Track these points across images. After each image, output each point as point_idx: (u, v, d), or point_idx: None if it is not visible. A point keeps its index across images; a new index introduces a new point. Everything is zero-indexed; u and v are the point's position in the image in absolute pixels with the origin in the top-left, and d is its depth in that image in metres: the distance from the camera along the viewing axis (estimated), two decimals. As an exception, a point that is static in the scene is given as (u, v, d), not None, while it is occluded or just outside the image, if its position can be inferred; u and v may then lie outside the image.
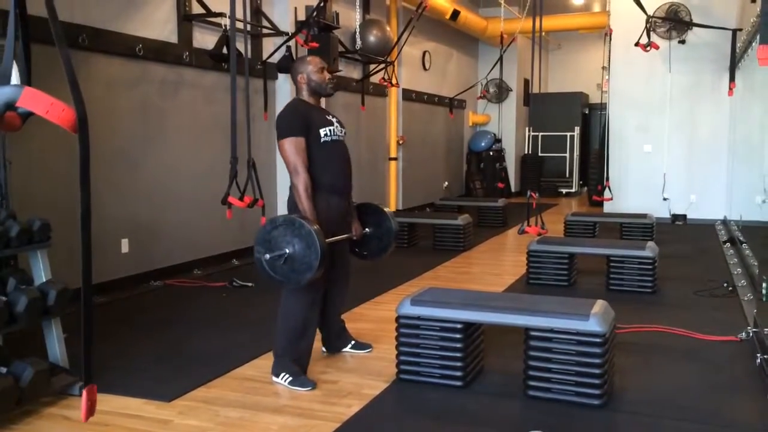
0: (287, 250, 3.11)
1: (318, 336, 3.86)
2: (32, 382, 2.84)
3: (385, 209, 3.84)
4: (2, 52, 1.50)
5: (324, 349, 3.84)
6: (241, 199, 4.95)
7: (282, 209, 6.88)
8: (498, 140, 13.66)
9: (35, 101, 1.35)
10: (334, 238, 3.46)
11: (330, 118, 3.56)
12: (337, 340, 3.85)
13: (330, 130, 3.48)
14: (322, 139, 3.42)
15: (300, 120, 3.39)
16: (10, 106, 1.36)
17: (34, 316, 3.05)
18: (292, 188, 3.36)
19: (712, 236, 8.34)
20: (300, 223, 3.10)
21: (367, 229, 3.80)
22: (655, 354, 3.83)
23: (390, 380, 3.39)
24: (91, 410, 1.50)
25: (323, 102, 3.71)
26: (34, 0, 1.84)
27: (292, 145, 3.33)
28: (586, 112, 15.12)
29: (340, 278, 3.67)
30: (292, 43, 6.95)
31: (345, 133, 3.63)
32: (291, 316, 3.39)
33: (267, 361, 3.55)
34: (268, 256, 3.13)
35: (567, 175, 14.34)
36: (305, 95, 3.52)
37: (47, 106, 1.35)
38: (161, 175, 5.77)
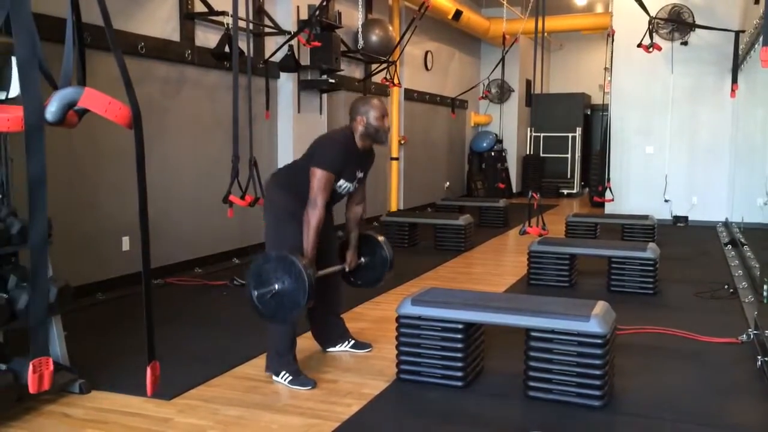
0: (276, 286, 3.11)
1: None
2: (32, 380, 2.83)
3: (380, 238, 3.80)
4: (56, 57, 1.57)
5: (323, 348, 3.84)
6: (242, 197, 4.96)
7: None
8: (499, 141, 13.66)
9: (95, 101, 1.45)
10: (326, 271, 3.47)
11: (358, 173, 3.52)
12: (333, 337, 3.84)
13: (346, 186, 3.48)
14: (335, 187, 3.42)
15: (341, 161, 3.38)
16: (72, 105, 1.45)
17: (35, 314, 3.04)
18: (305, 217, 3.29)
19: (714, 238, 8.33)
20: (291, 261, 3.08)
21: (362, 259, 3.78)
22: (655, 355, 3.83)
23: (390, 380, 3.39)
24: (154, 385, 1.64)
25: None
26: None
27: (324, 179, 3.30)
28: (588, 113, 15.11)
29: (331, 261, 3.65)
30: (294, 42, 6.95)
31: (359, 182, 3.58)
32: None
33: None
34: (256, 292, 3.13)
35: (568, 175, 14.33)
36: (357, 136, 3.45)
37: (105, 105, 1.45)
38: (162, 174, 5.76)
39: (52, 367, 1.41)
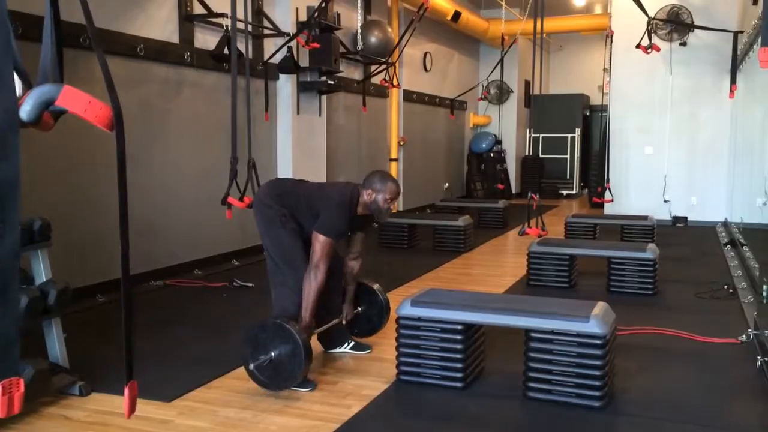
0: (272, 354, 3.13)
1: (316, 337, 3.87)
2: (32, 382, 2.84)
3: (375, 286, 3.86)
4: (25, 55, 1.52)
5: (323, 348, 3.84)
6: (241, 199, 4.95)
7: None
8: (499, 142, 13.67)
9: (74, 100, 1.37)
10: (322, 328, 3.54)
11: (349, 232, 3.59)
12: (333, 338, 3.84)
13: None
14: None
15: (346, 226, 3.45)
16: (50, 104, 1.37)
17: (35, 316, 3.05)
18: (306, 281, 3.32)
19: (713, 238, 8.34)
20: (289, 332, 3.11)
21: (358, 309, 3.84)
22: (655, 356, 3.83)
23: (390, 381, 3.39)
24: (132, 407, 1.53)
25: None
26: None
27: (328, 246, 3.34)
28: (587, 113, 15.12)
29: (333, 278, 3.67)
30: (293, 43, 6.95)
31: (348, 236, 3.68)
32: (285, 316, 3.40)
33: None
34: (252, 365, 3.15)
35: (567, 176, 14.34)
36: (361, 204, 3.48)
37: (85, 104, 1.38)
38: (162, 175, 5.76)
39: (23, 388, 1.33)
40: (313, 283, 3.31)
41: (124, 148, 1.45)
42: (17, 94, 1.39)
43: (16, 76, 1.43)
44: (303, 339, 3.10)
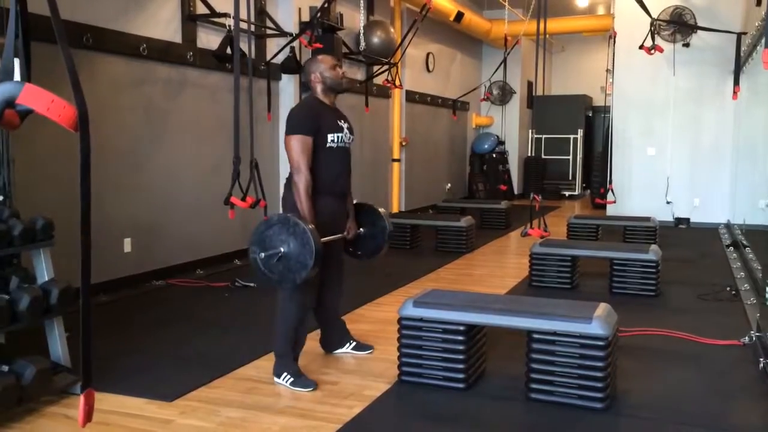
0: (282, 249, 3.10)
1: (316, 337, 3.87)
2: (34, 381, 2.84)
3: (380, 209, 3.84)
4: (1, 50, 1.48)
5: (324, 349, 3.84)
6: (243, 199, 4.95)
7: (285, 210, 6.88)
8: (501, 142, 13.66)
9: (36, 98, 1.32)
10: (327, 238, 3.46)
11: (341, 123, 3.54)
12: (334, 340, 3.84)
13: (338, 137, 3.48)
14: (328, 144, 3.42)
15: (311, 119, 3.39)
16: (11, 102, 1.33)
17: (37, 315, 3.05)
18: (292, 186, 3.35)
19: (716, 240, 8.32)
20: (294, 222, 3.09)
21: (361, 229, 3.80)
22: (657, 357, 3.82)
23: (391, 382, 3.39)
24: (88, 415, 1.46)
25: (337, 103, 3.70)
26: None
27: (299, 142, 3.33)
28: (590, 114, 15.11)
29: (333, 279, 3.67)
30: (296, 44, 6.95)
31: (352, 140, 3.61)
32: (288, 317, 3.40)
33: (268, 361, 3.54)
34: (263, 255, 3.12)
35: (570, 177, 14.33)
36: (320, 94, 3.50)
37: (48, 103, 1.33)
38: (164, 175, 5.77)
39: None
40: (299, 184, 3.30)
41: (89, 151, 1.41)
42: None
43: None
44: (311, 229, 3.06)
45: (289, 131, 3.36)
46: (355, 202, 3.80)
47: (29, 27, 1.57)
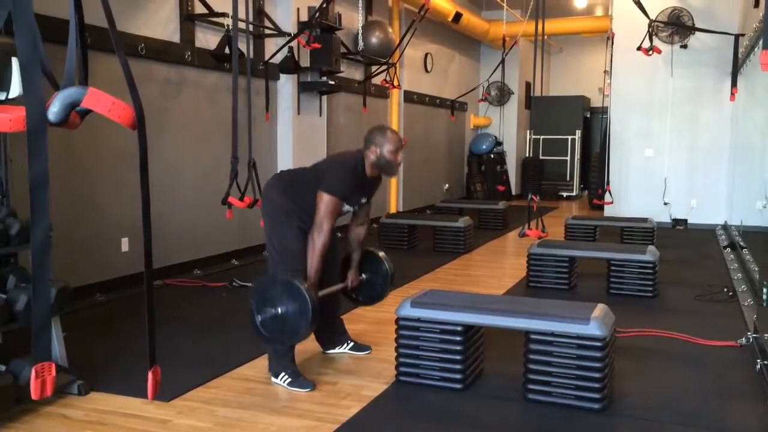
0: (279, 310, 3.11)
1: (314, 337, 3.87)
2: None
3: (380, 253, 3.83)
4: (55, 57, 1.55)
5: (322, 349, 3.84)
6: (241, 199, 4.95)
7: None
8: (499, 143, 13.67)
9: (99, 101, 1.43)
10: (327, 291, 3.50)
11: (362, 199, 3.55)
12: (332, 339, 3.84)
13: (349, 209, 3.51)
14: (340, 208, 3.45)
15: (350, 187, 3.40)
16: (75, 106, 1.43)
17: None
18: (310, 240, 3.31)
19: (713, 241, 8.34)
20: (298, 289, 3.08)
21: (363, 276, 3.81)
22: (655, 358, 3.83)
23: (389, 382, 3.39)
24: (155, 389, 1.63)
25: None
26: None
27: (332, 204, 3.31)
28: (588, 115, 15.12)
29: (332, 280, 3.66)
30: (294, 43, 6.95)
31: (360, 206, 3.61)
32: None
33: (266, 361, 3.54)
34: (260, 317, 3.14)
35: (568, 178, 14.34)
36: (368, 163, 3.44)
37: (109, 105, 1.43)
38: (162, 175, 5.76)
39: (54, 372, 1.39)
40: (317, 242, 3.29)
41: (146, 147, 1.51)
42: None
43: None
44: (312, 298, 3.06)
45: (328, 189, 3.31)
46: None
47: (86, 36, 1.67)
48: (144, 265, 1.55)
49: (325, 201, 3.30)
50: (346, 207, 3.47)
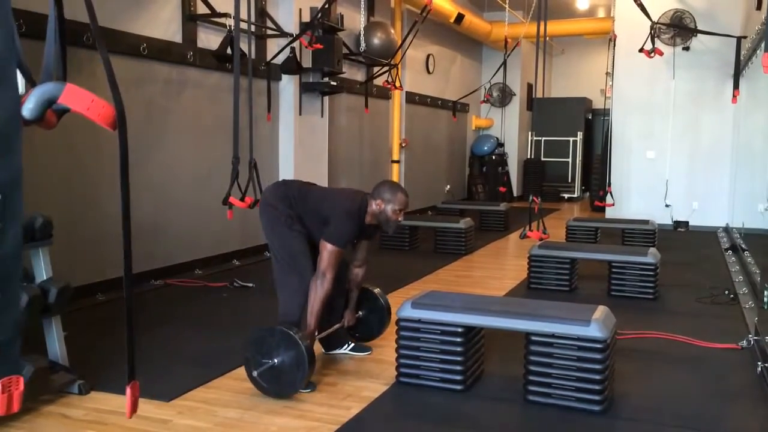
0: (275, 360, 3.13)
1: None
2: (32, 380, 2.84)
3: (376, 291, 3.88)
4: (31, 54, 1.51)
5: (323, 350, 3.84)
6: (242, 199, 4.95)
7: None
8: (501, 144, 13.66)
9: (77, 98, 1.36)
10: (324, 333, 3.55)
11: (357, 241, 3.61)
12: (333, 340, 3.84)
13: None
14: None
15: (353, 235, 3.45)
16: (52, 102, 1.37)
17: (35, 314, 3.04)
18: (312, 287, 3.33)
19: (714, 243, 8.33)
20: (296, 342, 3.10)
21: (360, 313, 3.85)
22: (655, 360, 3.82)
23: (389, 383, 3.39)
24: (134, 406, 1.51)
25: None
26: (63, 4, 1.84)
27: (335, 255, 3.34)
28: (590, 117, 15.12)
29: (337, 282, 3.66)
30: (296, 44, 6.95)
31: (353, 245, 3.67)
32: (289, 317, 3.40)
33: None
34: (255, 372, 3.15)
35: (569, 180, 14.33)
36: (369, 214, 3.46)
37: (88, 103, 1.37)
38: (163, 175, 5.76)
39: (22, 386, 1.31)
40: (319, 291, 3.32)
41: (127, 148, 1.43)
42: (20, 92, 1.39)
43: (19, 74, 1.43)
44: (307, 347, 3.09)
45: (333, 240, 3.32)
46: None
47: (66, 31, 1.61)
48: (123, 274, 1.48)
49: (329, 251, 3.32)
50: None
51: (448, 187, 12.59)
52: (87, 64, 4.78)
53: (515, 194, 13.91)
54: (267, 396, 3.19)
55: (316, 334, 3.48)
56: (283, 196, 3.52)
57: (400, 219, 3.48)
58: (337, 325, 3.69)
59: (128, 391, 1.49)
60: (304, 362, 3.07)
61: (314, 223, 3.46)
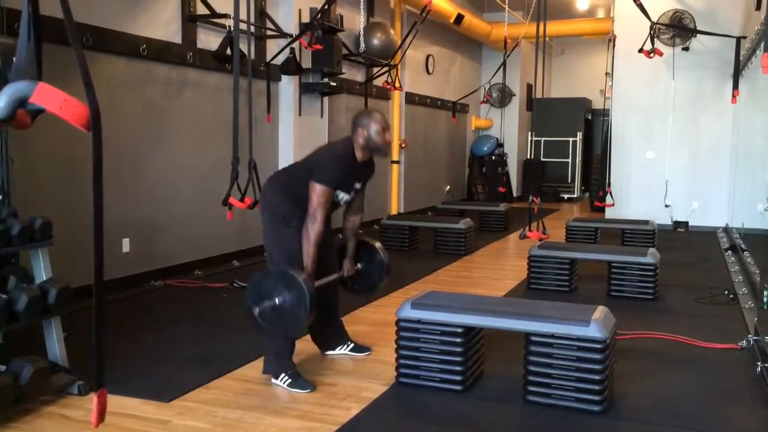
0: (277, 301, 3.11)
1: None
2: (31, 381, 2.84)
3: (376, 244, 3.84)
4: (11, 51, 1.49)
5: (320, 350, 3.85)
6: (241, 200, 4.96)
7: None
8: (500, 145, 13.66)
9: (49, 97, 1.32)
10: (324, 280, 3.49)
11: (356, 183, 3.53)
12: (332, 340, 3.84)
13: (344, 196, 3.49)
14: (333, 198, 3.43)
15: (341, 175, 3.39)
16: (24, 101, 1.33)
17: (35, 315, 3.05)
18: (305, 230, 3.31)
19: (714, 243, 8.33)
20: (292, 277, 3.09)
21: (359, 265, 3.81)
22: (655, 361, 3.82)
23: (389, 383, 3.39)
24: (101, 415, 1.45)
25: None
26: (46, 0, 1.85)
27: (324, 194, 3.31)
28: (589, 117, 15.12)
29: (330, 270, 3.65)
30: (296, 45, 6.95)
31: (356, 192, 3.58)
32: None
33: (266, 362, 3.54)
34: (257, 309, 3.12)
35: (569, 180, 14.34)
36: (357, 147, 3.46)
37: (61, 102, 1.32)
38: (163, 175, 5.77)
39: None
40: (311, 232, 3.29)
41: (101, 151, 1.38)
42: None
43: None
44: (308, 285, 3.07)
45: (319, 179, 3.31)
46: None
47: (41, 28, 1.57)
48: (93, 279, 1.44)
49: (317, 191, 3.30)
50: (342, 195, 3.47)
51: (448, 187, 12.59)
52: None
53: (515, 195, 13.91)
54: (269, 336, 3.17)
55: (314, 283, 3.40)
56: (278, 189, 3.49)
57: (387, 137, 3.46)
58: (335, 275, 3.65)
59: (95, 399, 1.43)
60: (304, 296, 3.04)
61: (307, 187, 3.37)
